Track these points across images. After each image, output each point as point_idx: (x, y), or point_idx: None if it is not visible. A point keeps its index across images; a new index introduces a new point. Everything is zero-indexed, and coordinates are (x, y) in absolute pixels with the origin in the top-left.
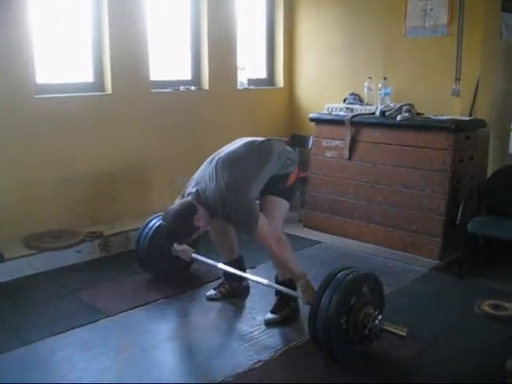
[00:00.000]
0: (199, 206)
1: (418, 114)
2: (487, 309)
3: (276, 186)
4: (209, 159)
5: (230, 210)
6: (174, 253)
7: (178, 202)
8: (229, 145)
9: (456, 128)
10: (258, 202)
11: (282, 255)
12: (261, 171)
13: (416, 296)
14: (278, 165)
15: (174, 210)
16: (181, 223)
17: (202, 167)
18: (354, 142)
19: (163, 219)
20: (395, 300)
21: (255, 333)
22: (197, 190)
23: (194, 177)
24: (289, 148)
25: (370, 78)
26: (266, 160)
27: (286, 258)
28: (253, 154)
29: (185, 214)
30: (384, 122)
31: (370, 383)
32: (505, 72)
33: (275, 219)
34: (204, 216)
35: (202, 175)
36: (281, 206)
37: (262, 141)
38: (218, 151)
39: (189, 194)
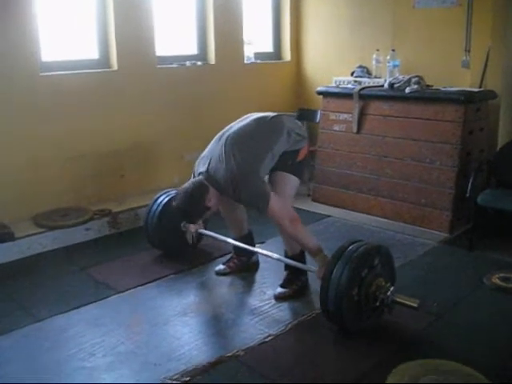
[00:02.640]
0: (210, 186)
1: (428, 86)
2: (497, 281)
3: (286, 162)
4: (217, 136)
5: (240, 191)
6: (184, 228)
7: (189, 181)
8: (238, 121)
9: (466, 100)
10: (266, 177)
11: (296, 232)
12: (271, 149)
13: (425, 269)
14: (288, 142)
15: (185, 190)
16: (192, 203)
17: (211, 145)
18: (362, 115)
19: (175, 199)
20: (405, 273)
21: (265, 307)
22: (207, 170)
23: (203, 155)
24: (299, 123)
25: (378, 50)
26: (276, 137)
27: (300, 235)
28: (263, 131)
29: (196, 194)
30: (393, 94)
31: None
32: None
33: (285, 195)
34: (215, 195)
35: (212, 154)
36: (290, 182)
37: (272, 117)
38: (227, 127)
39: (199, 173)
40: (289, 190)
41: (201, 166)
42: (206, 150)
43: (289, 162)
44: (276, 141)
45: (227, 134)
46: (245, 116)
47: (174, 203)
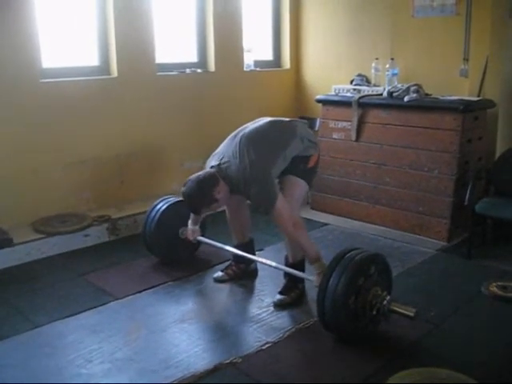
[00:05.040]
0: (221, 180)
1: (426, 94)
2: (495, 290)
3: (297, 167)
4: (232, 135)
5: (250, 187)
6: (182, 236)
7: (201, 171)
8: (252, 122)
9: (464, 108)
10: (277, 181)
11: (298, 238)
12: (284, 150)
13: (423, 277)
14: (300, 146)
15: (196, 178)
16: (201, 191)
17: (226, 142)
18: (361, 123)
19: (185, 185)
20: (402, 281)
21: (263, 314)
22: (219, 164)
23: (215, 152)
24: (310, 131)
25: (377, 58)
26: (290, 140)
27: (301, 241)
28: (277, 134)
29: (206, 183)
30: (391, 102)
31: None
32: None
33: (293, 199)
34: (224, 190)
35: (226, 150)
36: (300, 186)
37: (287, 121)
38: (242, 127)
39: (212, 166)
40: (297, 194)
41: (213, 161)
42: (219, 147)
43: (300, 167)
44: (289, 143)
45: (242, 132)
46: (259, 118)
47: (183, 189)
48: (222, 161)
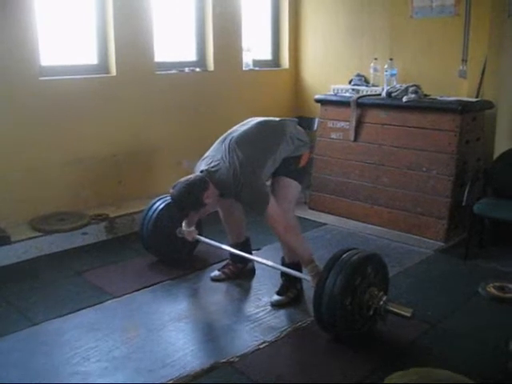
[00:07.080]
0: (211, 184)
1: (425, 95)
2: (492, 290)
3: (288, 168)
4: (221, 138)
5: (241, 191)
6: (179, 234)
7: (191, 175)
8: (241, 124)
9: (462, 109)
10: (269, 183)
11: (290, 240)
12: (274, 152)
13: (421, 277)
14: (290, 147)
15: (186, 180)
16: (190, 194)
17: (215, 146)
18: (359, 123)
19: (174, 187)
20: (400, 281)
21: (260, 314)
22: (209, 169)
23: (205, 156)
24: (301, 129)
25: (375, 58)
26: (279, 141)
27: (293, 244)
28: (266, 135)
29: (196, 186)
30: (390, 103)
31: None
32: None
33: (286, 200)
34: (213, 194)
35: (215, 154)
36: (292, 187)
37: (276, 121)
38: (231, 130)
39: (201, 171)
40: (290, 196)
41: (203, 165)
42: (209, 151)
43: (291, 168)
44: (278, 145)
45: (231, 136)
46: (248, 120)
47: (171, 190)
48: (211, 165)
